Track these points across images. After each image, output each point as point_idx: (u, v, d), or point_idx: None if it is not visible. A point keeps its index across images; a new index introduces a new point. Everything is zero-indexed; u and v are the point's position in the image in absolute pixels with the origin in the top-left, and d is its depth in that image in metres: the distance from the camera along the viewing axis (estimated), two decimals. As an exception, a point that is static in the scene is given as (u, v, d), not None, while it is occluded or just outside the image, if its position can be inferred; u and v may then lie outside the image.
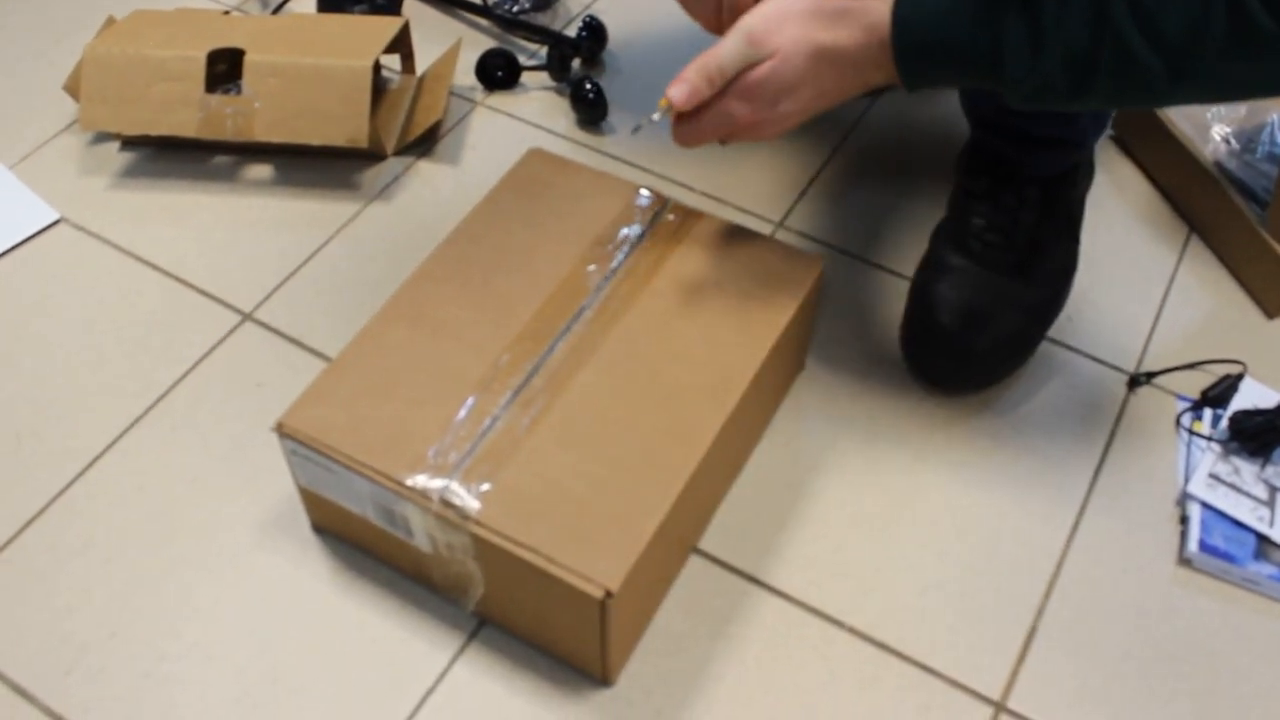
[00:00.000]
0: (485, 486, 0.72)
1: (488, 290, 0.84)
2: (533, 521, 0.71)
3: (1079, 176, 0.99)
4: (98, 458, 0.90)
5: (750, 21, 0.73)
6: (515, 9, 1.26)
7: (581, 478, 0.73)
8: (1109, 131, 1.15)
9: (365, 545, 0.83)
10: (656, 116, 0.77)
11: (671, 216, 0.89)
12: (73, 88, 1.11)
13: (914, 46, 0.70)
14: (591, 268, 0.85)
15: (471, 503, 0.72)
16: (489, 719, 0.77)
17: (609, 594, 0.68)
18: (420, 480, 0.73)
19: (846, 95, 0.74)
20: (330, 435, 0.76)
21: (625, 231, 0.87)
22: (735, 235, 0.88)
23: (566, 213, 0.89)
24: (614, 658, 0.76)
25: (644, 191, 0.90)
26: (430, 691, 0.78)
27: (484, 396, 0.77)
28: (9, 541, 0.85)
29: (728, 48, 0.73)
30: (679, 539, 0.81)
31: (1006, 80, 0.69)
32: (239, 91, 1.05)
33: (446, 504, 0.72)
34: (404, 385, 0.78)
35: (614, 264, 0.85)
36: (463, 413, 0.76)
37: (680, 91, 0.74)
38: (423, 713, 0.77)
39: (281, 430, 0.76)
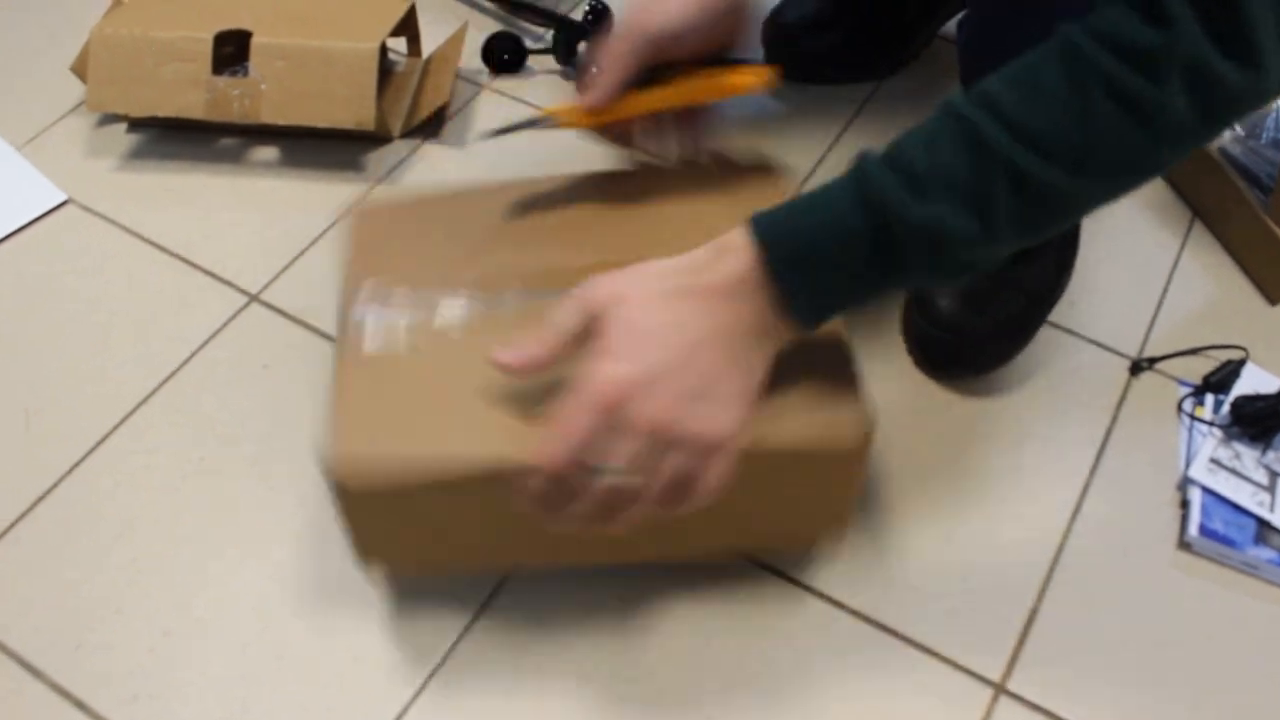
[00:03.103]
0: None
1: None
2: None
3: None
4: (105, 437, 0.90)
5: (583, 286, 0.64)
6: (521, -8, 1.26)
7: None
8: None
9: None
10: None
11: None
12: (80, 69, 1.11)
13: (786, 244, 0.62)
14: None
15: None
16: (488, 710, 0.78)
17: None
18: None
19: (730, 348, 0.63)
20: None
21: None
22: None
23: None
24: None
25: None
26: (438, 668, 0.78)
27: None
28: (18, 519, 0.86)
29: (561, 308, 0.64)
30: None
31: (899, 238, 0.61)
32: (246, 73, 1.05)
33: None
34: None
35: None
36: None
37: (508, 354, 0.64)
38: (429, 688, 0.78)
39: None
